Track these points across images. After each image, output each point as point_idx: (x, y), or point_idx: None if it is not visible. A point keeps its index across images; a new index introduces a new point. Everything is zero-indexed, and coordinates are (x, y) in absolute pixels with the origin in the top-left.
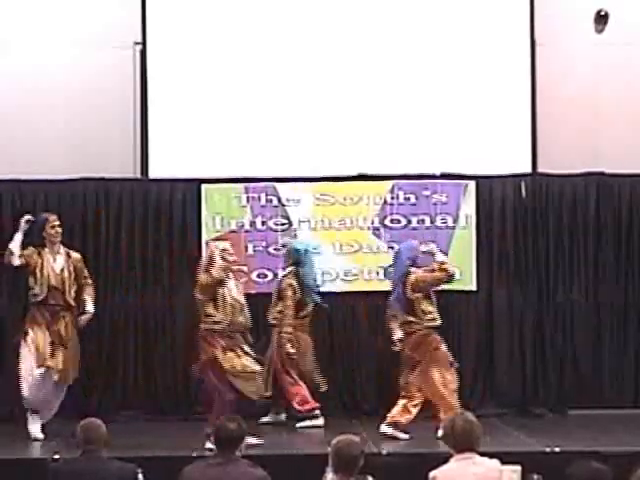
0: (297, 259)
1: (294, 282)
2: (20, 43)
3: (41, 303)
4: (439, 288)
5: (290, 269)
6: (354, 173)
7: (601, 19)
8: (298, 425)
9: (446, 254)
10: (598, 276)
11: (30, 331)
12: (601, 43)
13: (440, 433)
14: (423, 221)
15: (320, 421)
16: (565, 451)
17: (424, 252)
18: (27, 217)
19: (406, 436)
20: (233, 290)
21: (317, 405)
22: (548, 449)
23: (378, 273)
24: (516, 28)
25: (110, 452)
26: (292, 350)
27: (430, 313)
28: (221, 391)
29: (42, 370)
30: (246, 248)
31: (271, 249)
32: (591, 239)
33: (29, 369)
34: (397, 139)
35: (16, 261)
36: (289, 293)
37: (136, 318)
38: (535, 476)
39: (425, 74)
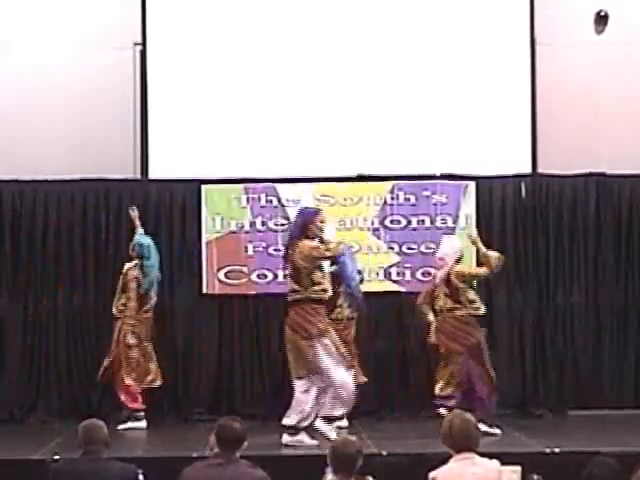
0: (141, 253)
1: (139, 275)
2: (20, 43)
3: (323, 300)
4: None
5: (135, 262)
6: (354, 174)
7: (601, 20)
8: (119, 427)
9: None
10: (598, 277)
11: (328, 331)
12: (601, 43)
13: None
14: (423, 222)
15: (143, 424)
16: (565, 452)
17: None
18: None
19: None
20: None
21: (143, 407)
22: (548, 450)
23: (378, 274)
24: (516, 28)
25: (110, 452)
26: (132, 341)
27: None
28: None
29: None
30: (246, 249)
31: (271, 250)
32: (591, 240)
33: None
34: (397, 139)
35: None
36: (133, 285)
37: None
38: (535, 476)
39: (425, 74)
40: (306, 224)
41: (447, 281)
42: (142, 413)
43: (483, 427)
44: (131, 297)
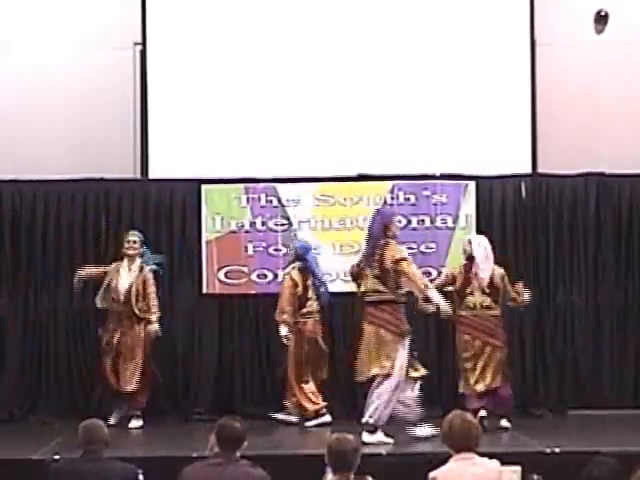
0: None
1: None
2: (20, 43)
3: (405, 303)
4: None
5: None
6: (354, 173)
7: (601, 19)
8: (130, 425)
9: (446, 254)
10: (598, 277)
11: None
12: (601, 43)
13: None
14: (423, 221)
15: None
16: (565, 452)
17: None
18: None
19: None
20: None
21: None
22: (548, 450)
23: None
24: (516, 28)
25: (110, 452)
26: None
27: None
28: None
29: None
30: (246, 248)
31: (271, 249)
32: (591, 239)
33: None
34: (397, 139)
35: None
36: (152, 281)
37: None
38: (535, 476)
39: (425, 74)
40: (387, 224)
41: (490, 279)
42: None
43: (505, 423)
44: (153, 291)
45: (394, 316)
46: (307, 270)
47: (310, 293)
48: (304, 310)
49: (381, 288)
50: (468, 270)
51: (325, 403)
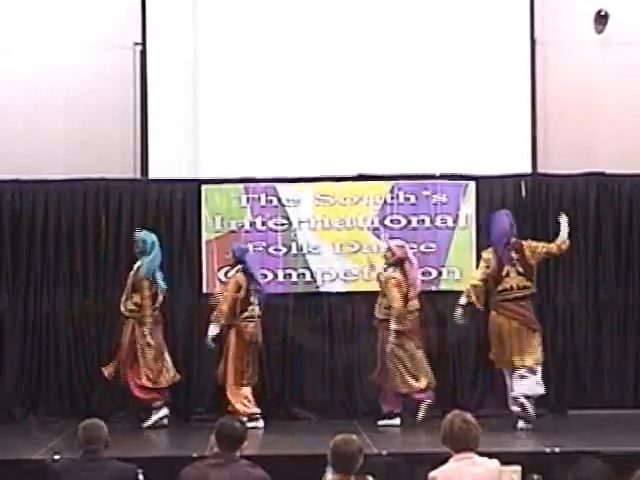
0: (143, 248)
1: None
2: (20, 43)
3: None
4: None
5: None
6: (354, 173)
7: (601, 19)
8: (145, 424)
9: (446, 254)
10: (598, 276)
11: None
12: (601, 43)
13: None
14: (423, 221)
15: (165, 411)
16: (565, 451)
17: None
18: None
19: None
20: None
21: (158, 396)
22: (548, 449)
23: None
24: (516, 28)
25: (110, 452)
26: (152, 342)
27: None
28: None
29: None
30: None
31: (271, 249)
32: (591, 239)
33: None
34: (397, 139)
35: None
36: (146, 284)
37: None
38: (535, 476)
39: (425, 74)
40: (512, 224)
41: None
42: (159, 402)
43: None
44: (145, 296)
45: (533, 312)
46: (246, 273)
47: (252, 297)
48: (245, 314)
49: (528, 284)
50: None
51: (258, 410)
